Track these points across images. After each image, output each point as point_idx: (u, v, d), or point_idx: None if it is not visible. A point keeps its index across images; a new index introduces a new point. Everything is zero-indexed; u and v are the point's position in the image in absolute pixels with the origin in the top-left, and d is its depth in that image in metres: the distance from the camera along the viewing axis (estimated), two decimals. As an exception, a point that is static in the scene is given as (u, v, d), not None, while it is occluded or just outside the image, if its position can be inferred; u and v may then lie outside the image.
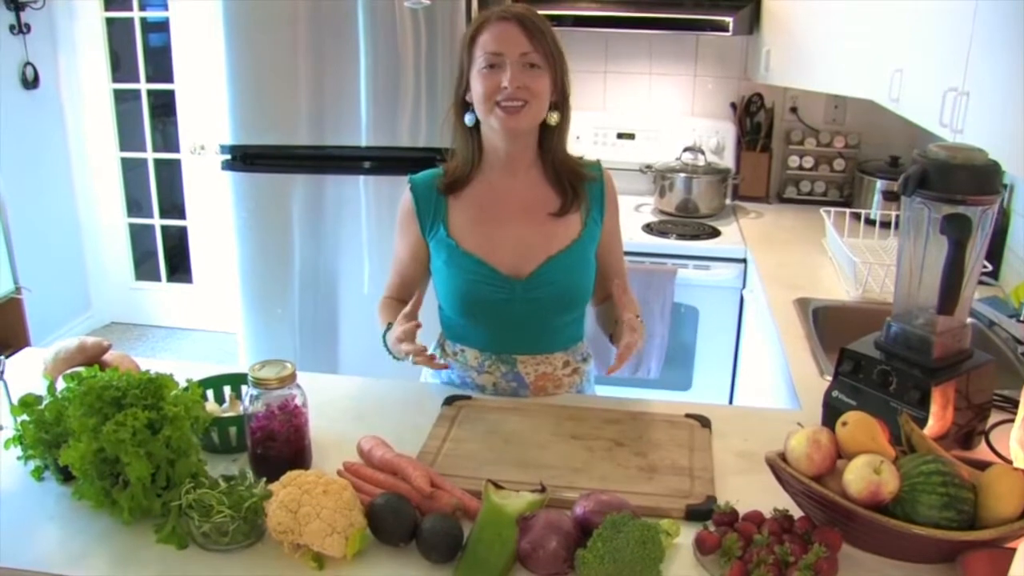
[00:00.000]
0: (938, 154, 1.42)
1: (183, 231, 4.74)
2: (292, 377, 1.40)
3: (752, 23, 3.18)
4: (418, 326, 1.58)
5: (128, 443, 1.22)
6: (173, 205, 4.75)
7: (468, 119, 1.68)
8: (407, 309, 1.62)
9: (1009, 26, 1.75)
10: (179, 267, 4.86)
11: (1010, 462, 1.48)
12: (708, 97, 3.59)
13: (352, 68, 2.98)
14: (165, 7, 4.43)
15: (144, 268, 4.88)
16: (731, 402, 3.13)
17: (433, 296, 1.81)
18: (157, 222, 4.76)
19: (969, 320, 2.17)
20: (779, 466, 1.29)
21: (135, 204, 4.77)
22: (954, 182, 1.40)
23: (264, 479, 1.29)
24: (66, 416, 1.33)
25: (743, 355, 3.03)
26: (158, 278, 4.86)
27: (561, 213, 1.71)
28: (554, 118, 1.67)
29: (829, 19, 2.82)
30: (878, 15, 2.56)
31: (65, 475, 1.39)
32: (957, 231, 1.37)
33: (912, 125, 3.23)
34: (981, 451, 1.57)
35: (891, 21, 2.46)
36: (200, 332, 4.79)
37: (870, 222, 2.95)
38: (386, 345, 1.69)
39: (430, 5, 2.88)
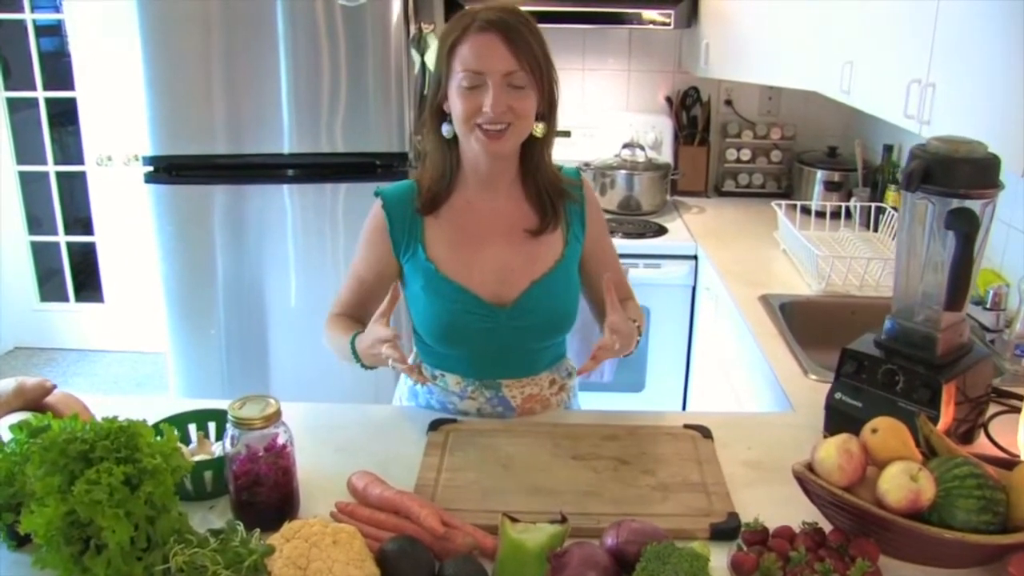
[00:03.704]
0: (939, 148, 1.39)
1: (90, 247, 4.44)
2: (277, 415, 1.27)
3: (690, 16, 3.15)
4: (398, 336, 1.42)
5: (105, 504, 1.07)
6: (77, 220, 4.46)
7: (446, 130, 1.54)
8: (383, 307, 1.46)
9: (975, 17, 1.75)
10: (87, 285, 4.56)
11: (1016, 455, 1.47)
12: (643, 92, 3.56)
13: (272, 72, 2.82)
14: (56, 9, 4.15)
15: (48, 288, 4.56)
16: (684, 402, 3.10)
17: (407, 318, 1.69)
18: (62, 239, 4.45)
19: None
20: (808, 478, 1.23)
21: (35, 220, 4.46)
22: (958, 176, 1.37)
23: (257, 530, 1.17)
24: (20, 475, 1.17)
25: (696, 354, 3.00)
26: (65, 298, 4.55)
27: (539, 232, 1.59)
28: (540, 130, 1.54)
29: (772, 12, 2.81)
30: (825, 7, 2.55)
31: (19, 540, 1.23)
32: (966, 225, 1.34)
33: (847, 115, 3.29)
34: (982, 445, 1.55)
35: (839, 14, 2.46)
36: (114, 353, 4.50)
37: (808, 213, 2.95)
38: (355, 352, 1.55)
39: (363, 4, 2.75)
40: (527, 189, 1.61)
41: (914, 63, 1.96)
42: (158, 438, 1.21)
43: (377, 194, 1.63)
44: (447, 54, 1.48)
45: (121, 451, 1.14)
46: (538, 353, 1.66)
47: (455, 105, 1.48)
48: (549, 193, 1.61)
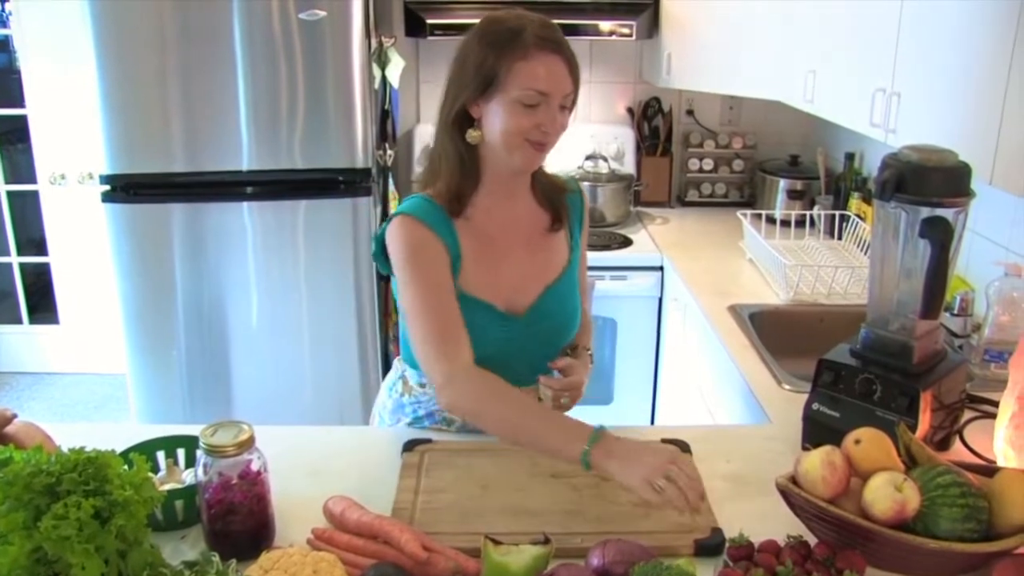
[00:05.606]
0: (911, 157, 1.40)
1: (44, 268, 4.33)
2: (250, 441, 1.23)
3: (651, 27, 3.16)
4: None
5: (74, 540, 1.03)
6: (30, 240, 4.34)
7: (472, 137, 1.50)
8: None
9: (938, 26, 1.78)
10: (41, 306, 4.45)
11: (993, 462, 1.48)
12: (604, 103, 3.57)
13: (229, 88, 2.78)
14: (3, 24, 4.04)
15: (0, 310, 4.44)
16: (653, 415, 3.09)
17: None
18: (15, 260, 4.34)
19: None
20: (792, 491, 1.23)
21: (-16, 242, 4.35)
22: (930, 185, 1.38)
23: (233, 561, 1.13)
24: (-18, 511, 1.12)
25: (664, 365, 3.00)
26: (19, 320, 4.43)
27: (554, 229, 1.63)
28: None
29: (734, 22, 2.83)
30: (787, 17, 2.58)
31: (-19, 579, 1.18)
32: (940, 234, 1.35)
33: (807, 124, 3.33)
34: (958, 452, 1.56)
35: (801, 23, 2.48)
36: (71, 376, 4.39)
37: (773, 222, 2.96)
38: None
39: (323, 18, 2.72)
40: (535, 193, 1.64)
41: (878, 72, 1.98)
42: (126, 468, 1.17)
43: (398, 213, 1.54)
44: (507, 65, 1.43)
45: (90, 483, 1.09)
46: (536, 363, 1.64)
47: (507, 119, 1.45)
48: (551, 192, 1.65)
